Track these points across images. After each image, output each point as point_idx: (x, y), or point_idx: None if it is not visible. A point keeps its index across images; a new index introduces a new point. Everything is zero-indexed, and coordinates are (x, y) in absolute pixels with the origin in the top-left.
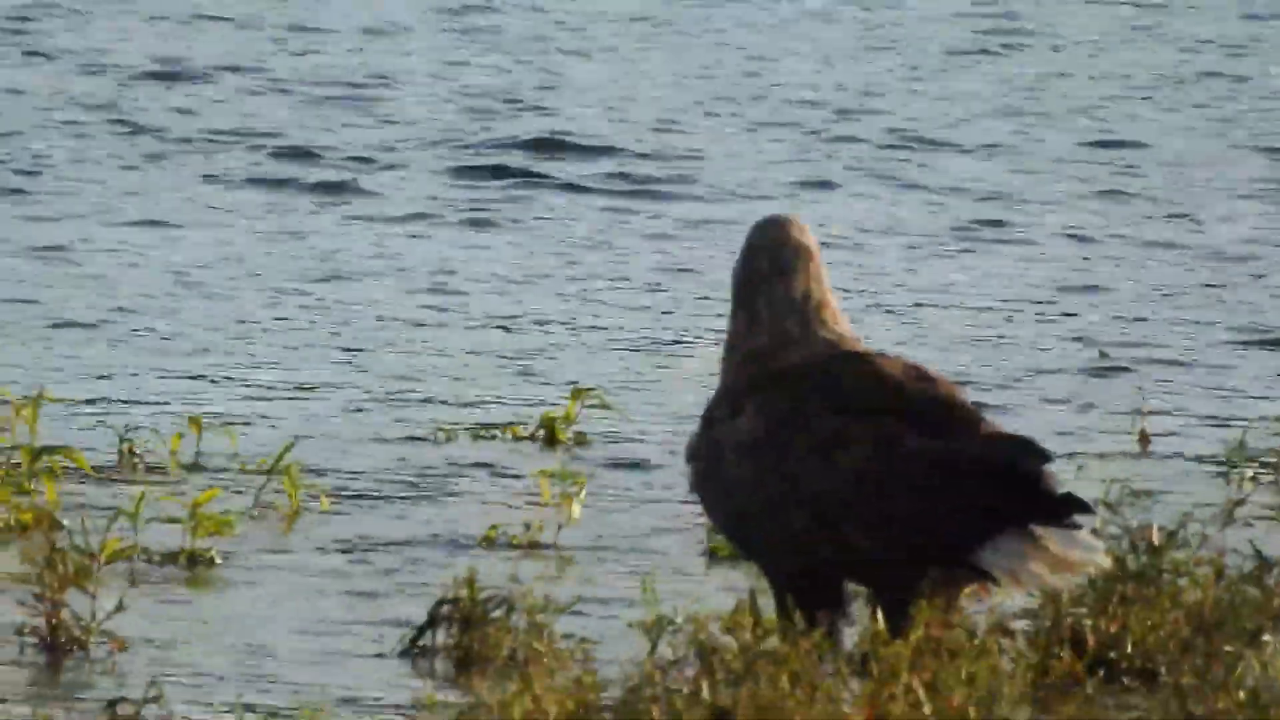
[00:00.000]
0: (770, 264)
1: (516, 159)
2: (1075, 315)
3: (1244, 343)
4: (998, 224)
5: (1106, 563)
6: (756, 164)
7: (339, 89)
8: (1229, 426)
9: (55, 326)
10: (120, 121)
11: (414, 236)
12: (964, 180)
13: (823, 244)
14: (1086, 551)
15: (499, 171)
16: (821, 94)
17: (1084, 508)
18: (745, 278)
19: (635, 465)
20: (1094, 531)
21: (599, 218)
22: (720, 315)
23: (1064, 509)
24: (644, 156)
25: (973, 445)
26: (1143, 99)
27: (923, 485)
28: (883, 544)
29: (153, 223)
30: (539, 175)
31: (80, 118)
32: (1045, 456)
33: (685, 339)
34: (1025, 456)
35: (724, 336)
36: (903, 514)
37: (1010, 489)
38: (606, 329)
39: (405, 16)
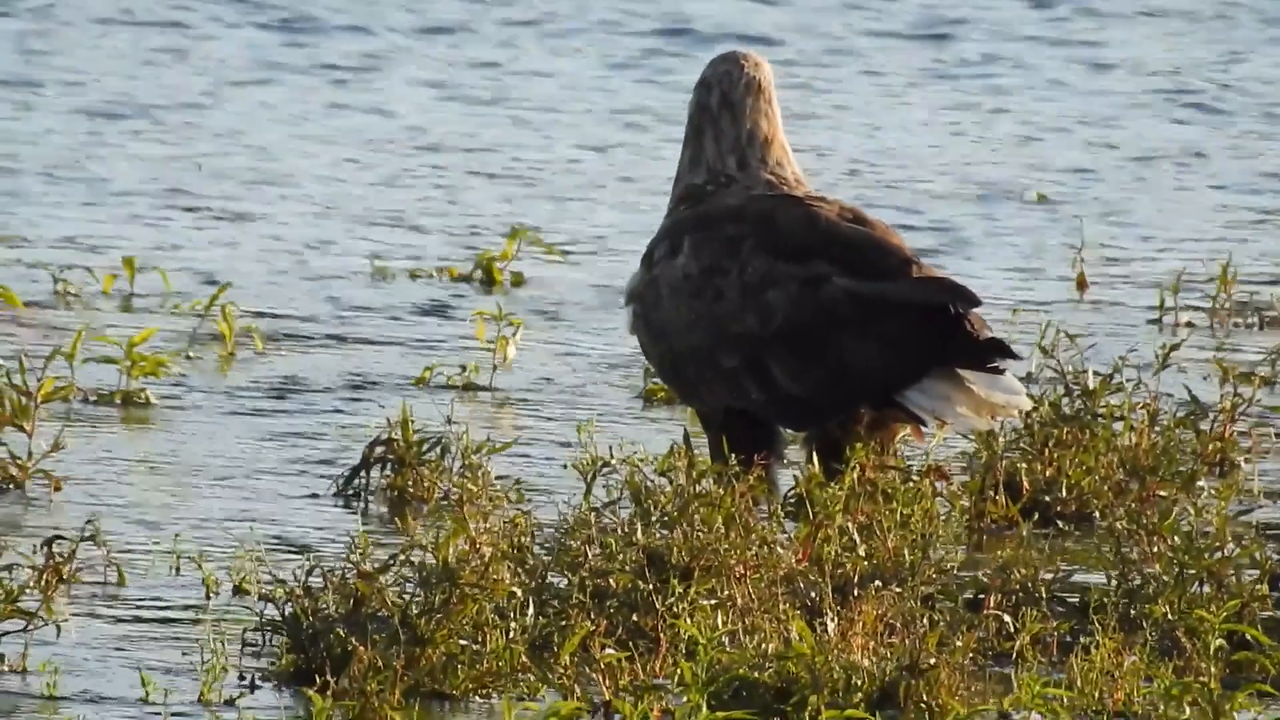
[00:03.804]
0: (718, 99)
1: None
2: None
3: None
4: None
5: (1028, 406)
6: None
7: None
8: (1166, 273)
9: None
10: None
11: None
12: None
13: None
14: (1010, 395)
15: None
16: None
17: (1008, 352)
18: (694, 112)
19: (572, 306)
20: (1026, 375)
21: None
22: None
23: (988, 353)
24: None
25: (900, 287)
26: None
27: (848, 325)
28: (809, 384)
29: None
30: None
31: None
32: (972, 300)
33: (632, 179)
34: (952, 299)
35: (673, 171)
36: (828, 354)
37: (936, 331)
38: (548, 167)
39: None
